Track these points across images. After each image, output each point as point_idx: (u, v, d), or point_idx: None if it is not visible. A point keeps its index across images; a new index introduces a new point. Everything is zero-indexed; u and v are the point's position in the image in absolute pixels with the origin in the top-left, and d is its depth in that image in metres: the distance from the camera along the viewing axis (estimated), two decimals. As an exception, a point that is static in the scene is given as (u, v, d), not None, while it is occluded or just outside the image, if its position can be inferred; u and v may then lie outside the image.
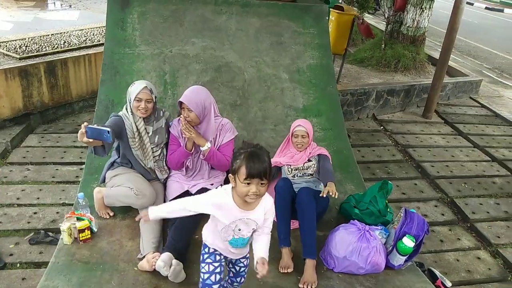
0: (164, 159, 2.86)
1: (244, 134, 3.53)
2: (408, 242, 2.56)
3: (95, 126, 2.32)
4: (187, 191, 2.76)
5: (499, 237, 3.62)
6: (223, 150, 2.79)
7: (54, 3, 8.19)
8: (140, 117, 2.67)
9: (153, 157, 2.79)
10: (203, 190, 2.74)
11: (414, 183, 4.35)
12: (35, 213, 3.26)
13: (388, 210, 2.98)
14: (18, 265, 2.79)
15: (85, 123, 2.31)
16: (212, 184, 2.81)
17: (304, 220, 2.62)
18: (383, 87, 5.77)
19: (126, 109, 2.72)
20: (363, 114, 5.78)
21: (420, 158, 4.84)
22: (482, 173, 4.65)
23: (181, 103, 2.64)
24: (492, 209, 4.00)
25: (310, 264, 2.51)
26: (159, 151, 2.83)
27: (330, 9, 5.40)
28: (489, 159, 5.02)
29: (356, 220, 2.79)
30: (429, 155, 4.94)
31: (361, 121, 5.69)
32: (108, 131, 2.30)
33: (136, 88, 2.63)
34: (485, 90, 7.31)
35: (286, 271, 2.53)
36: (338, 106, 3.97)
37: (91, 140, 2.32)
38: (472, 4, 18.98)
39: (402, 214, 2.74)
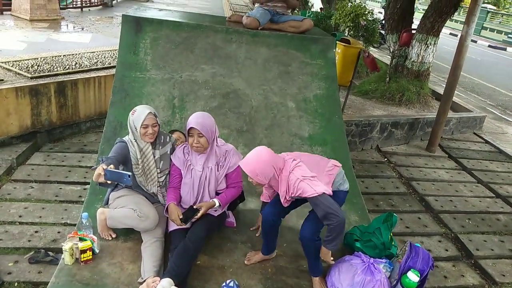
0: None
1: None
2: (413, 276, 2.52)
3: (114, 169, 2.31)
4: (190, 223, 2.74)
5: (504, 275, 3.56)
6: (232, 177, 2.79)
7: (67, 25, 8.41)
8: (147, 142, 2.69)
9: (158, 182, 2.80)
10: (206, 216, 2.73)
11: (418, 216, 4.32)
12: (36, 231, 3.25)
13: (393, 243, 2.95)
14: (16, 284, 2.76)
15: (104, 166, 2.30)
16: (215, 211, 2.80)
17: (307, 252, 2.59)
18: (387, 119, 5.82)
19: (130, 135, 2.70)
20: (367, 145, 5.81)
21: (424, 191, 4.82)
22: (486, 209, 4.62)
23: (190, 129, 2.61)
24: (497, 247, 3.95)
25: (315, 281, 2.60)
26: (164, 177, 2.83)
27: (337, 41, 5.53)
28: (493, 195, 5.00)
29: (360, 252, 2.76)
30: (433, 189, 4.92)
31: (365, 152, 5.70)
32: (129, 175, 2.29)
33: (140, 115, 2.61)
34: (489, 126, 7.35)
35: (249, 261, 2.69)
36: (344, 136, 4.00)
37: (109, 182, 2.33)
38: (475, 42, 19.34)
39: (407, 248, 2.71)
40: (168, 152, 2.82)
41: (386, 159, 5.60)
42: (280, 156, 2.48)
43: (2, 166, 4.09)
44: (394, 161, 5.54)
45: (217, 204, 2.71)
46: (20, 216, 3.41)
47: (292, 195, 2.37)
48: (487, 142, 6.67)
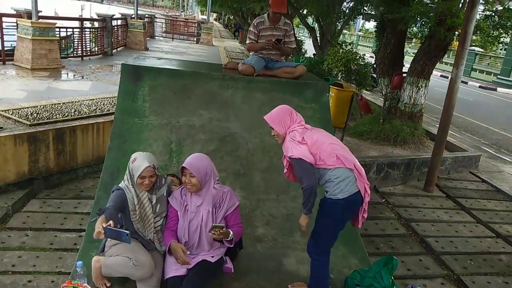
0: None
1: (246, 203, 3.53)
2: (416, 321, 2.45)
3: (113, 227, 2.33)
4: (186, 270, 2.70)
5: (510, 319, 3.46)
6: (232, 219, 2.77)
7: (68, 74, 8.63)
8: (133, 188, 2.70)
9: (154, 227, 2.78)
10: (203, 262, 2.69)
11: (419, 259, 4.25)
12: (29, 281, 3.17)
13: (394, 287, 2.89)
14: (6, 338, 2.66)
15: (103, 224, 2.31)
16: (212, 257, 2.76)
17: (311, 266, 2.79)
18: (383, 159, 5.87)
19: (127, 181, 2.71)
20: (365, 187, 5.80)
21: (424, 232, 4.77)
22: (487, 250, 4.56)
23: (182, 168, 2.68)
24: (501, 288, 3.86)
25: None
26: (161, 221, 2.82)
27: (330, 86, 5.69)
28: (494, 235, 4.95)
29: (361, 297, 2.70)
30: (433, 230, 4.87)
31: (362, 193, 5.69)
32: (127, 234, 2.33)
33: (139, 166, 2.63)
34: (485, 165, 7.40)
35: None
36: (340, 178, 4.01)
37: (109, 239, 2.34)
38: (466, 83, 19.86)
39: (408, 291, 2.66)
40: (164, 194, 2.83)
41: (384, 200, 5.59)
42: (298, 118, 2.82)
43: (-3, 214, 4.05)
44: (393, 202, 5.52)
45: (231, 234, 2.66)
46: (13, 265, 3.34)
47: (284, 154, 2.68)
48: (484, 181, 6.69)
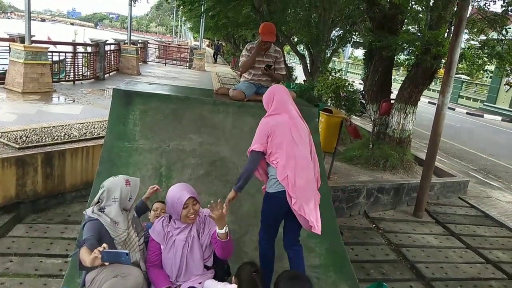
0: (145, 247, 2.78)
1: (236, 228, 3.51)
2: None
3: (110, 250, 2.24)
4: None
5: None
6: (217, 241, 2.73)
7: (59, 97, 8.63)
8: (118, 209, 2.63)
9: (138, 246, 2.72)
10: (190, 288, 2.64)
11: (410, 285, 4.22)
12: (11, 309, 3.07)
13: (384, 313, 2.86)
14: None
15: (101, 248, 2.21)
16: (200, 283, 2.71)
17: None
18: (373, 184, 5.90)
19: (101, 210, 2.59)
20: (355, 211, 5.81)
21: (414, 258, 4.76)
22: (477, 276, 4.55)
23: (186, 201, 2.55)
24: (492, 315, 3.84)
25: None
26: (142, 239, 2.77)
27: (320, 111, 5.77)
28: (483, 261, 4.95)
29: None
30: (423, 256, 4.87)
31: (353, 218, 5.69)
32: (127, 253, 2.23)
33: (128, 190, 2.62)
34: (473, 191, 7.47)
35: None
36: (330, 202, 4.02)
37: (106, 263, 2.25)
38: (454, 109, 20.25)
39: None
40: (135, 214, 2.80)
41: (374, 225, 5.59)
42: (288, 104, 3.11)
43: (-19, 239, 3.96)
44: (383, 227, 5.52)
45: (226, 228, 2.59)
46: (-5, 293, 3.25)
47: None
48: (472, 206, 6.74)
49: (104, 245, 2.26)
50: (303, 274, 2.69)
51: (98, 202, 2.62)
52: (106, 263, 2.22)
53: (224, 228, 2.58)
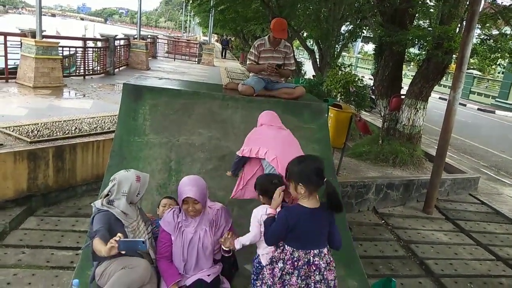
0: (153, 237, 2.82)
1: (244, 222, 3.51)
2: None
3: (127, 239, 2.29)
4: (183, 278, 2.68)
5: None
6: None
7: (69, 92, 8.71)
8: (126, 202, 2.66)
9: (147, 235, 2.75)
10: (198, 281, 2.67)
11: (419, 281, 4.20)
12: (24, 300, 3.13)
13: (392, 309, 2.86)
14: None
15: (117, 238, 2.25)
16: (209, 275, 2.73)
17: None
18: (382, 180, 5.87)
19: (110, 203, 2.64)
20: (364, 207, 5.79)
21: (423, 255, 4.74)
22: (487, 273, 4.51)
23: (184, 198, 2.58)
24: (502, 312, 3.81)
25: None
26: (149, 228, 2.81)
27: (329, 106, 5.75)
28: (493, 258, 4.91)
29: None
30: (433, 252, 4.84)
31: (361, 213, 5.68)
32: (143, 241, 2.28)
33: (137, 186, 2.68)
34: (484, 187, 7.39)
35: None
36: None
37: (123, 252, 2.29)
38: (465, 105, 20.02)
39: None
40: (139, 206, 2.87)
41: (383, 221, 5.56)
42: (275, 122, 3.38)
43: (-6, 231, 4.03)
44: (392, 223, 5.49)
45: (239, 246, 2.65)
46: (8, 283, 3.30)
47: None
48: (483, 203, 6.67)
49: (120, 234, 2.29)
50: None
51: (107, 194, 2.66)
52: (123, 252, 2.25)
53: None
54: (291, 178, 2.37)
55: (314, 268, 2.31)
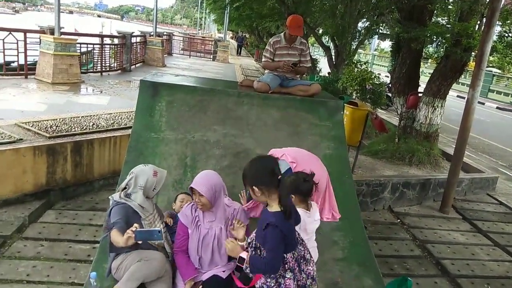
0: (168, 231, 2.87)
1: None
2: None
3: (143, 229, 2.34)
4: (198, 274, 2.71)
5: None
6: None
7: (87, 88, 8.84)
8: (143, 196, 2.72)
9: (162, 228, 2.78)
10: (214, 277, 2.68)
11: (435, 281, 4.16)
12: (43, 291, 3.20)
13: (408, 308, 2.83)
14: None
15: (133, 228, 2.31)
16: (224, 271, 2.75)
17: None
18: (398, 179, 5.81)
19: (127, 196, 2.70)
20: (379, 206, 5.74)
21: (440, 255, 4.68)
22: (505, 274, 4.44)
23: (191, 188, 2.65)
24: (520, 315, 3.74)
25: None
26: (163, 223, 2.86)
27: (345, 104, 5.70)
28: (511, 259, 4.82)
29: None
30: (449, 252, 4.77)
31: (377, 212, 5.63)
32: (159, 231, 2.33)
33: (160, 180, 2.77)
34: (502, 187, 7.25)
35: None
36: (354, 196, 3.98)
37: (140, 242, 2.33)
38: (483, 104, 19.63)
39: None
40: (154, 201, 2.91)
41: (399, 220, 5.51)
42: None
43: (14, 223, 4.12)
44: (408, 223, 5.43)
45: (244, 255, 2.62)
46: (28, 275, 3.38)
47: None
48: (501, 203, 6.55)
49: (136, 225, 2.34)
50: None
51: (125, 188, 2.72)
52: (140, 242, 2.29)
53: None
54: (245, 183, 2.36)
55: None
